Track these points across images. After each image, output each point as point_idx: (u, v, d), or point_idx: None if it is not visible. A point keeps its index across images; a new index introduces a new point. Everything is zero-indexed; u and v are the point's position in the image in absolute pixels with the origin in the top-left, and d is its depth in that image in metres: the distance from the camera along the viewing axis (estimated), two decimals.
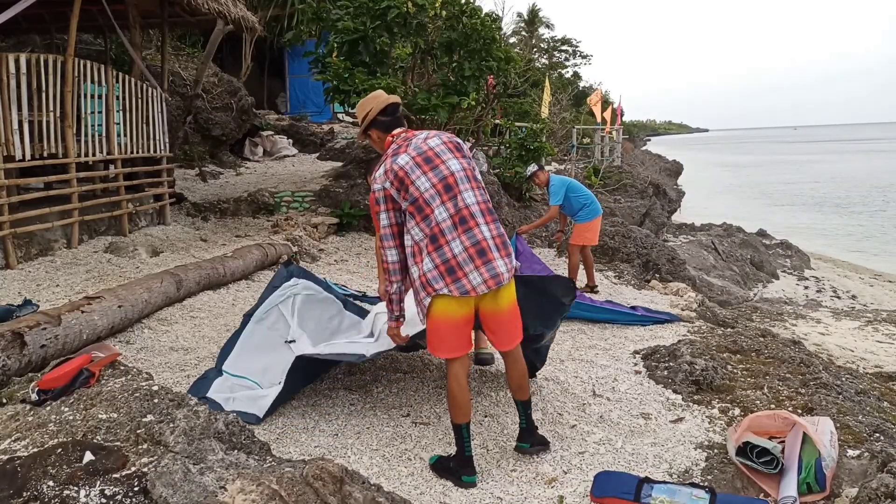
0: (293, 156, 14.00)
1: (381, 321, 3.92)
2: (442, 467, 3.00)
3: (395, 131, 2.99)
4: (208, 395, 3.54)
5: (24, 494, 1.93)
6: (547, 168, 7.77)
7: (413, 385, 3.99)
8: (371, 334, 4.25)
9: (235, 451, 2.39)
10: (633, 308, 5.88)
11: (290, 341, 4.29)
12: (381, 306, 4.10)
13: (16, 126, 5.79)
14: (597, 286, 6.93)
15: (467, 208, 2.82)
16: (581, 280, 6.92)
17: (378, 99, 3.03)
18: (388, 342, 3.43)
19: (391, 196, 2.83)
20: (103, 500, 1.94)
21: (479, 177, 2.96)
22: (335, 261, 7.48)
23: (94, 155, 7.02)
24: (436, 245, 2.77)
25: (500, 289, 2.84)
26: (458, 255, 2.76)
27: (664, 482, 2.80)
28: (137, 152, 7.90)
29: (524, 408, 3.15)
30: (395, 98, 3.07)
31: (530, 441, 3.15)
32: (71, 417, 2.44)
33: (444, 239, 2.77)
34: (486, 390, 3.94)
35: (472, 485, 2.90)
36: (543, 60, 39.58)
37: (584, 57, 44.53)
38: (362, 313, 4.86)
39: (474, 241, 2.79)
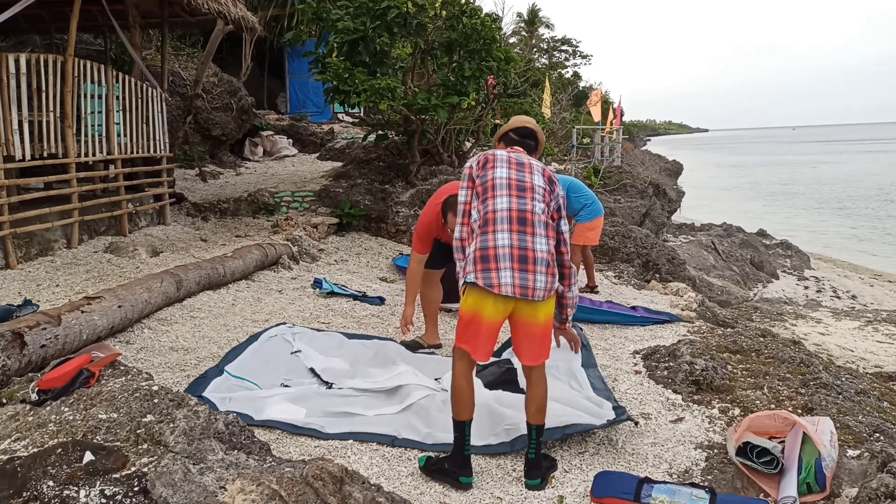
0: (293, 156, 14.00)
1: (409, 391, 3.63)
2: (435, 469, 2.91)
3: (516, 147, 3.06)
4: (205, 394, 3.52)
5: (24, 494, 1.93)
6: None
7: None
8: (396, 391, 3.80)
9: (235, 451, 2.39)
10: (633, 308, 5.89)
11: (297, 352, 4.29)
12: (405, 368, 3.94)
13: (16, 126, 5.79)
14: (597, 286, 6.93)
15: (532, 214, 2.79)
16: (581, 280, 6.92)
17: (520, 120, 3.19)
18: (418, 420, 3.34)
19: (472, 174, 2.90)
20: (103, 500, 1.95)
21: (552, 218, 2.93)
22: (335, 261, 7.48)
23: (94, 155, 7.02)
24: (483, 230, 2.77)
25: (539, 303, 2.76)
26: (500, 247, 2.71)
27: (664, 482, 2.80)
28: (137, 152, 7.90)
29: (537, 435, 2.90)
30: (534, 126, 3.16)
31: (540, 476, 2.89)
32: (71, 417, 2.44)
33: (494, 227, 2.75)
34: None
35: (470, 486, 2.84)
36: (543, 60, 39.58)
37: (584, 57, 44.53)
38: (367, 337, 4.82)
39: (523, 246, 2.73)
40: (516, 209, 2.77)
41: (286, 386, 3.88)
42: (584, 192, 6.81)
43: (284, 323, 4.89)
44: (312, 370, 4.06)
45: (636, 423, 3.27)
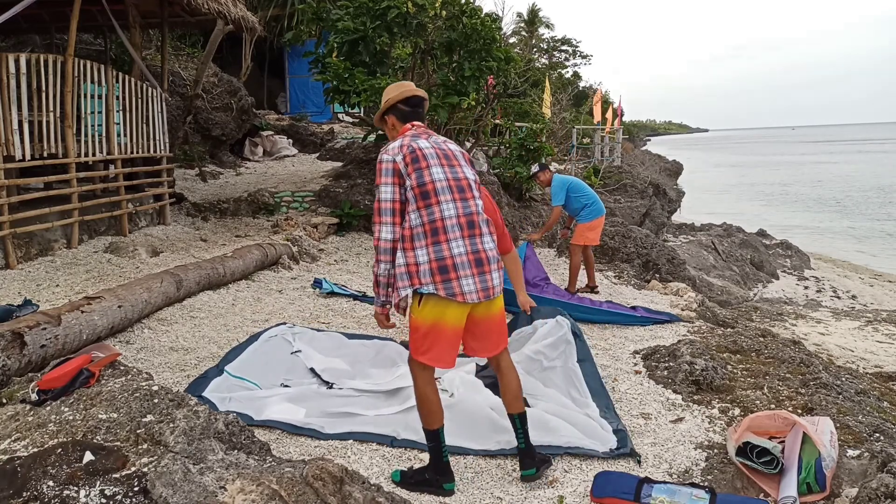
0: (293, 156, 14.00)
1: (409, 393, 3.52)
2: (414, 481, 2.85)
3: (416, 122, 2.93)
4: (204, 394, 3.52)
5: (24, 494, 1.93)
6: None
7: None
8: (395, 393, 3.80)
9: (235, 451, 2.39)
10: (633, 308, 5.89)
11: (297, 352, 4.29)
12: (406, 369, 3.39)
13: (16, 126, 5.79)
14: (597, 286, 6.92)
15: (477, 215, 2.77)
16: (581, 280, 6.92)
17: (403, 87, 2.98)
18: (418, 421, 3.19)
19: (399, 170, 2.70)
20: (103, 500, 1.95)
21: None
22: (335, 261, 7.48)
23: (94, 155, 7.02)
24: (435, 240, 2.67)
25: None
26: (457, 256, 2.68)
27: (664, 482, 2.80)
28: (137, 152, 7.90)
29: (521, 423, 2.89)
30: (422, 93, 2.99)
31: (535, 465, 2.90)
32: (71, 417, 2.44)
33: (446, 236, 2.68)
34: None
35: (453, 492, 2.82)
36: (543, 60, 39.56)
37: (583, 57, 44.51)
38: (367, 337, 4.81)
39: (475, 250, 2.72)
40: (464, 214, 2.73)
41: (286, 386, 3.88)
42: (586, 192, 6.81)
43: (285, 323, 4.89)
44: (313, 370, 4.07)
45: (638, 461, 3.14)
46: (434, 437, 2.82)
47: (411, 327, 2.78)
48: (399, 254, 2.71)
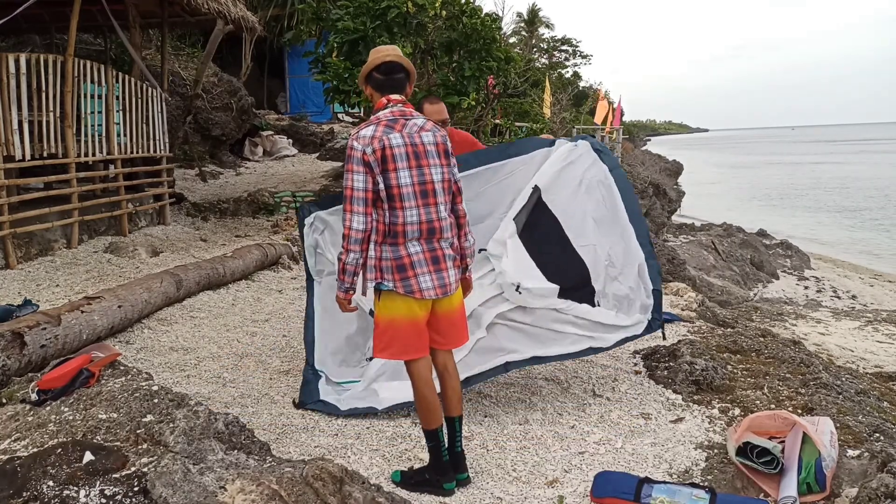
0: (293, 156, 14.00)
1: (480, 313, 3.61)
2: (414, 482, 2.84)
3: (392, 96, 2.76)
4: (323, 398, 3.57)
5: (24, 494, 1.93)
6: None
7: None
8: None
9: (235, 451, 2.39)
10: None
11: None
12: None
13: (16, 126, 5.79)
14: None
15: (438, 221, 2.73)
16: None
17: (379, 52, 2.80)
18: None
19: (368, 161, 2.62)
20: (103, 500, 1.95)
21: (454, 187, 2.84)
22: None
23: (93, 155, 7.02)
24: (393, 241, 2.68)
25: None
26: (413, 255, 2.69)
27: (664, 482, 2.79)
28: (137, 152, 7.90)
29: (460, 426, 2.90)
30: (398, 58, 2.77)
31: (466, 469, 2.91)
32: (71, 417, 2.44)
33: (404, 239, 2.69)
34: (486, 390, 3.93)
35: (453, 491, 2.82)
36: (543, 60, 39.55)
37: (584, 57, 44.50)
38: None
39: (432, 249, 2.72)
40: (425, 221, 2.70)
41: (370, 359, 3.78)
42: None
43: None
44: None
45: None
46: (433, 436, 2.81)
47: (375, 324, 2.80)
48: (372, 245, 2.71)
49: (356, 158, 2.63)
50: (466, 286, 3.02)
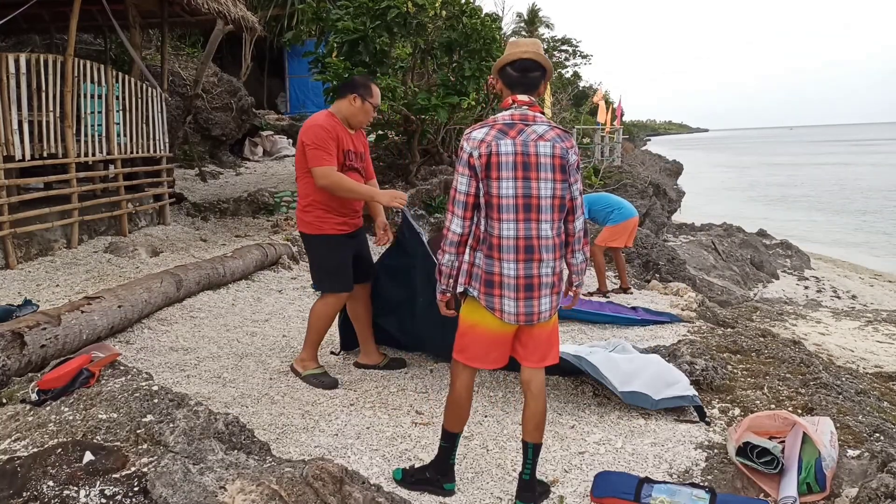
0: (293, 156, 14.01)
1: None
2: (415, 480, 2.84)
3: (520, 97, 2.58)
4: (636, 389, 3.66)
5: (24, 494, 1.93)
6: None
7: (413, 385, 3.99)
8: None
9: (235, 451, 2.39)
10: (633, 309, 5.89)
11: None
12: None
13: (16, 126, 5.79)
14: (630, 288, 6.93)
15: (538, 239, 2.54)
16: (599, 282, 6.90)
17: (517, 47, 2.61)
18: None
19: (474, 165, 2.52)
20: (103, 500, 1.95)
21: (567, 204, 2.61)
22: None
23: (93, 155, 7.02)
24: (489, 252, 2.55)
25: None
26: (506, 276, 2.54)
27: (664, 482, 2.79)
28: (137, 152, 7.90)
29: (534, 454, 2.73)
30: (536, 55, 2.58)
31: (532, 499, 2.73)
32: (71, 417, 2.44)
33: (500, 255, 2.54)
34: (486, 390, 3.93)
35: (453, 492, 2.83)
36: None
37: (584, 57, 44.50)
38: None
39: (528, 275, 2.54)
40: (523, 237, 2.53)
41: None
42: (605, 202, 6.85)
43: None
44: None
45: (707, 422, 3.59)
46: (450, 438, 2.80)
47: (458, 330, 2.75)
48: (467, 249, 2.62)
49: (464, 160, 2.55)
50: (575, 299, 2.89)
